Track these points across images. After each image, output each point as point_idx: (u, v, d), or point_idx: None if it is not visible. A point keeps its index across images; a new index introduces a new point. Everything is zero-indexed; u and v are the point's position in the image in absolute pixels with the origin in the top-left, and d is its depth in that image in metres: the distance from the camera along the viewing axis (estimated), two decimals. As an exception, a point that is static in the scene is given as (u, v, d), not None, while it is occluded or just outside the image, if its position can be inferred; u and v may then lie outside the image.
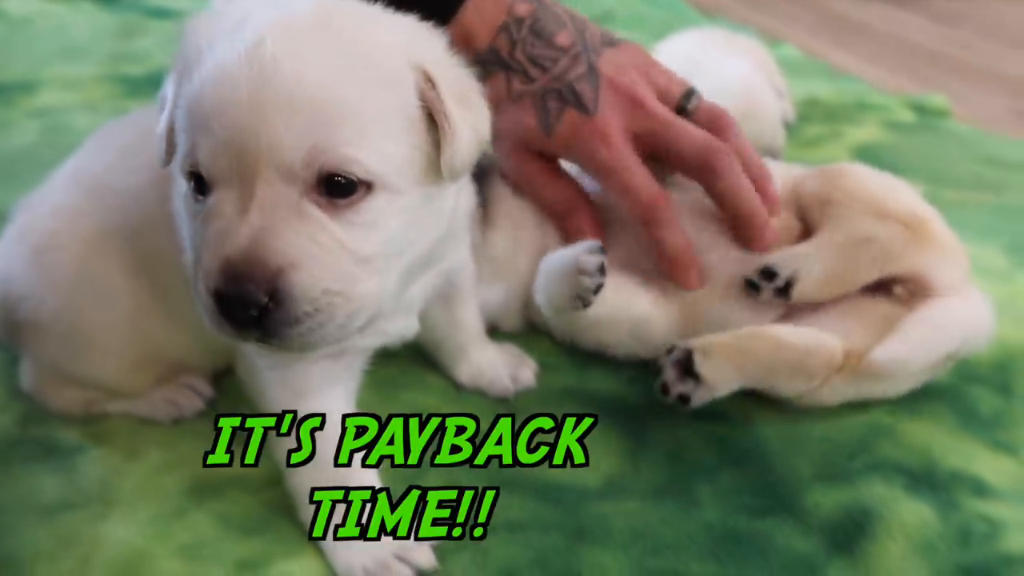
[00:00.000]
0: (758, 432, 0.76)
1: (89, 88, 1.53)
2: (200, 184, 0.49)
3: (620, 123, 0.78)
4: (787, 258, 0.76)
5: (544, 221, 0.85)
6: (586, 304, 0.73)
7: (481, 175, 0.81)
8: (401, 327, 0.65)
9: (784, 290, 0.75)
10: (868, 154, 1.36)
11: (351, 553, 0.61)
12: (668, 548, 0.64)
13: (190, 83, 0.49)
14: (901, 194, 0.80)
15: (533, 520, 0.65)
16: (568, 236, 0.82)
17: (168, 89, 0.54)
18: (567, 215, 0.82)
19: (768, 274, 0.76)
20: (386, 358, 0.83)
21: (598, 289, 0.73)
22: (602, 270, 0.72)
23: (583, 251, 0.73)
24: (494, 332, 0.87)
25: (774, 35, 2.10)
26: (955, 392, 0.82)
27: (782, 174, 0.85)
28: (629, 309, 0.80)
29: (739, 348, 0.73)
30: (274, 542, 0.63)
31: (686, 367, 0.73)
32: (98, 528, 0.64)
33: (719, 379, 0.73)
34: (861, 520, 0.65)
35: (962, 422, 0.78)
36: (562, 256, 0.75)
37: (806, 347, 0.74)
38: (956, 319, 0.77)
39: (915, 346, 0.75)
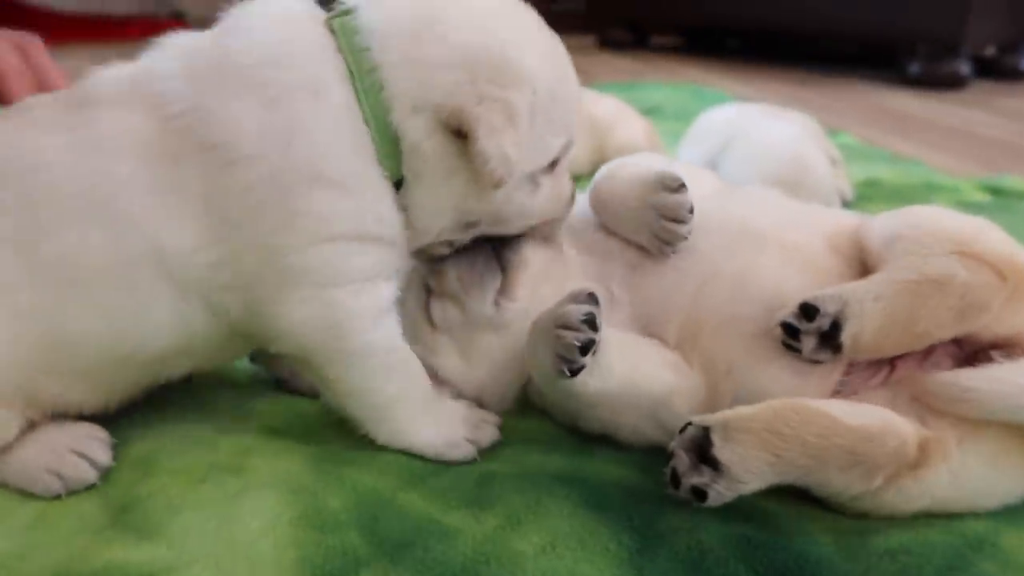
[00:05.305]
0: (807, 539, 0.57)
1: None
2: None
3: None
4: (832, 294, 0.60)
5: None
6: (572, 371, 0.57)
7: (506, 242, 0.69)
8: None
9: (831, 335, 0.58)
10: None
11: (428, 433, 0.65)
12: None
13: None
14: (993, 235, 0.64)
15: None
16: None
17: None
18: None
19: (808, 312, 0.59)
20: (334, 430, 0.68)
21: (586, 348, 0.56)
22: (592, 324, 0.57)
23: (567, 299, 0.58)
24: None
25: (828, 126, 1.99)
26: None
27: (834, 220, 0.71)
28: (645, 383, 0.62)
29: (773, 426, 0.55)
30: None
31: (702, 451, 0.56)
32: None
33: (745, 468, 0.55)
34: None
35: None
36: (549, 308, 0.60)
37: (865, 430, 0.56)
38: None
39: (992, 379, 0.58)
